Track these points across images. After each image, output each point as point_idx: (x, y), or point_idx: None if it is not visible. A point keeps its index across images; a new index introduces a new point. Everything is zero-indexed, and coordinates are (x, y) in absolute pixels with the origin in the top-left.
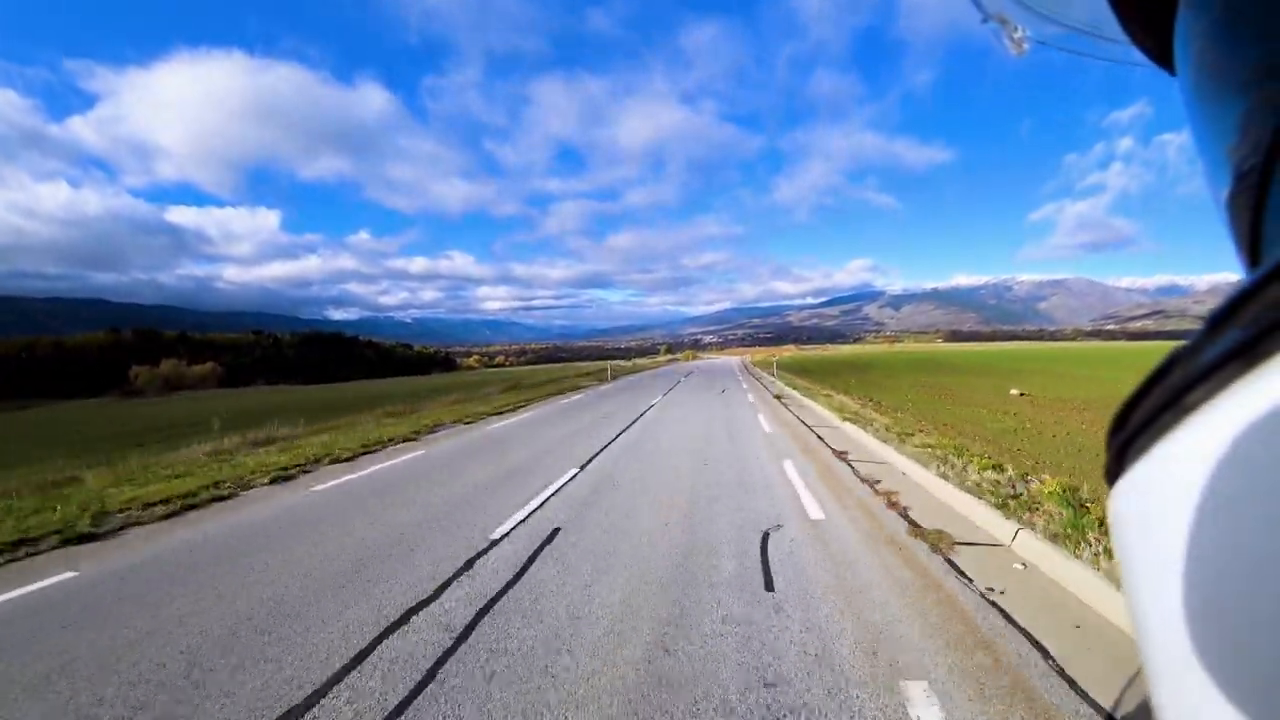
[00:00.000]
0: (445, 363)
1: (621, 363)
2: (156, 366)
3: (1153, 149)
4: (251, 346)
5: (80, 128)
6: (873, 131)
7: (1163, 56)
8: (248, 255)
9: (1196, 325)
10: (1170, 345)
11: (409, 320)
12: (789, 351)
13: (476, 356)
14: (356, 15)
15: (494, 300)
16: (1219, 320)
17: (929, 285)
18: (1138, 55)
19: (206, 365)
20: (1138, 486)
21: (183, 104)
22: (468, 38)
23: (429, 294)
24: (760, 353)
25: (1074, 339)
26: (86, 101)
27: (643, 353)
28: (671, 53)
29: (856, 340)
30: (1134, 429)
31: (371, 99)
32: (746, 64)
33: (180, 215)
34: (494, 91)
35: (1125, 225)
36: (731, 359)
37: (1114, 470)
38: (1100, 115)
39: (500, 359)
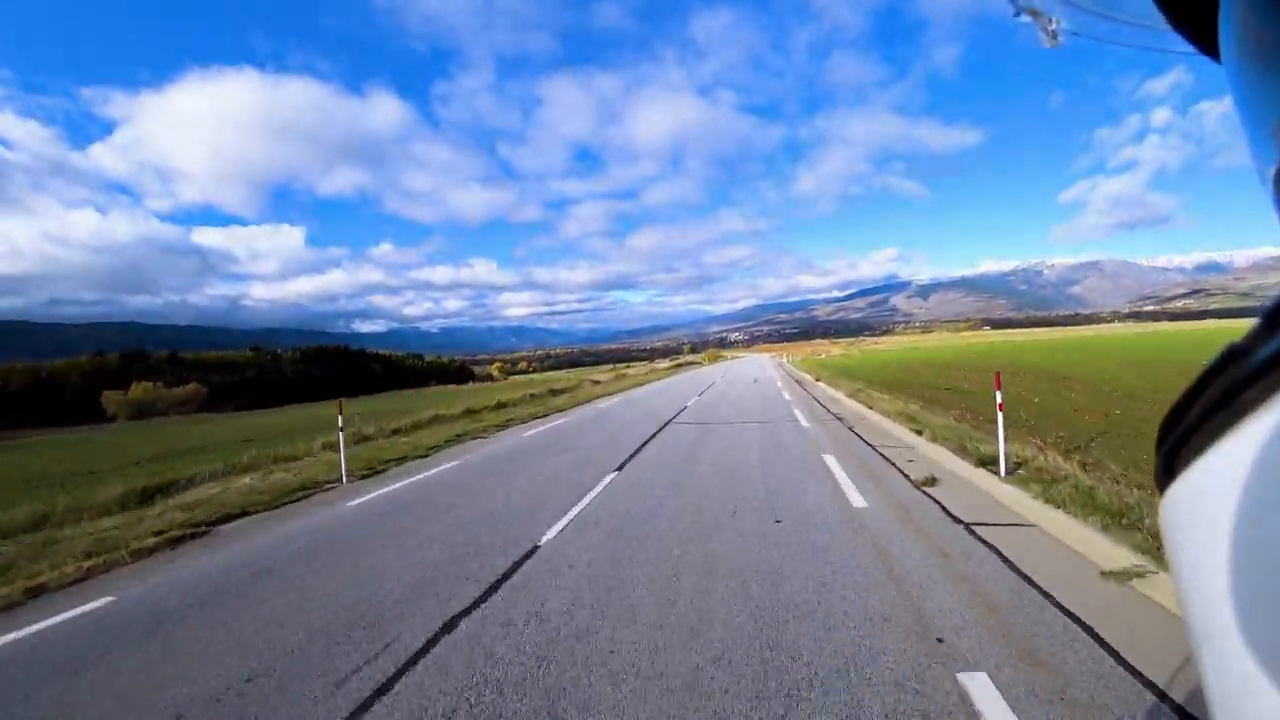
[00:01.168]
0: (459, 374)
1: (595, 375)
2: (126, 391)
3: (1191, 119)
4: (245, 365)
5: (101, 154)
6: (896, 115)
7: (1205, 41)
8: (274, 272)
9: (1243, 303)
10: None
11: (435, 330)
12: (830, 349)
13: (498, 364)
14: (361, 25)
15: (518, 307)
16: (1275, 315)
17: (956, 273)
18: (1179, 42)
19: (189, 387)
20: (1190, 492)
21: (198, 124)
22: (474, 40)
23: (453, 303)
24: (795, 349)
25: (1111, 321)
26: (105, 128)
27: (667, 353)
28: (684, 43)
29: (886, 332)
30: (1184, 432)
31: (384, 108)
32: (762, 50)
33: (206, 236)
34: (505, 94)
35: (1162, 201)
36: (762, 359)
37: (1164, 476)
38: (1134, 85)
39: (523, 364)
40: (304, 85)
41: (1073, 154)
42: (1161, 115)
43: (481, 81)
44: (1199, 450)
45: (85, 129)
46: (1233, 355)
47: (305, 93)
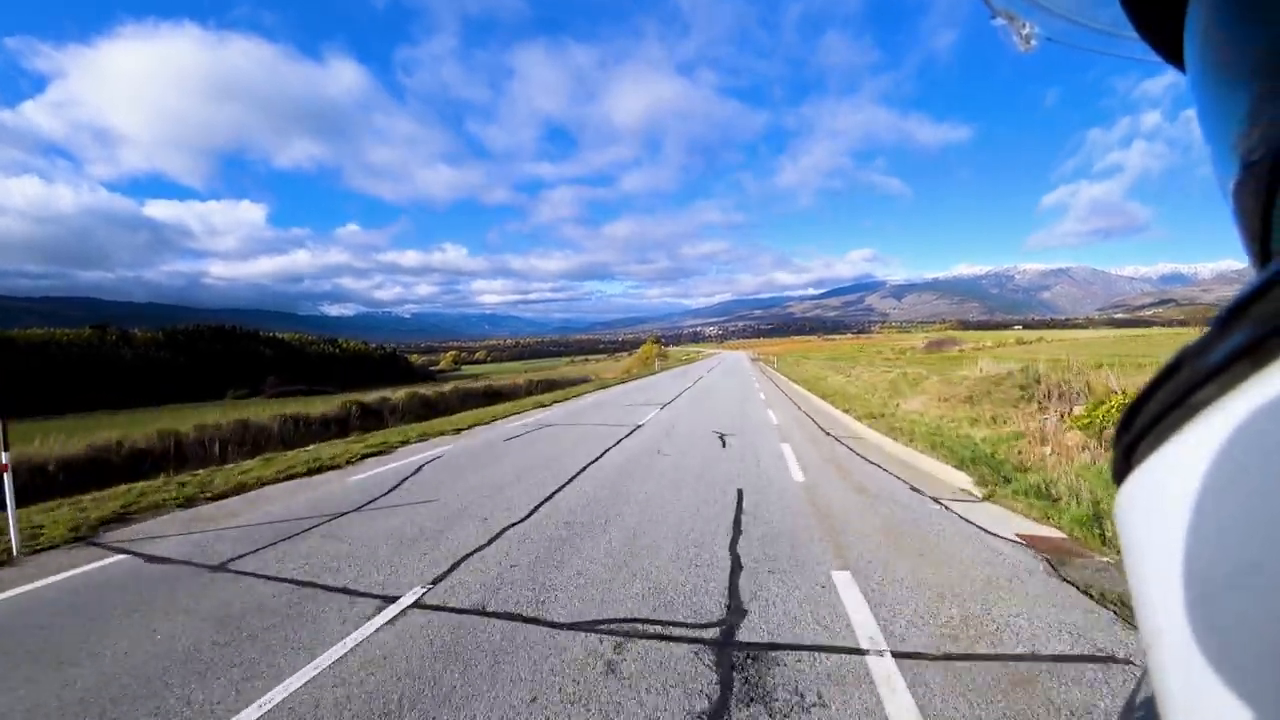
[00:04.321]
0: (384, 365)
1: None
2: None
3: (1179, 125)
4: (64, 347)
5: (34, 112)
6: (884, 107)
7: (1173, 52)
8: (234, 250)
9: (1213, 314)
10: None
11: (407, 316)
12: (890, 352)
13: (452, 354)
14: None
15: (491, 294)
16: (1227, 319)
17: (930, 275)
18: (1147, 51)
19: None
20: (1145, 486)
21: (137, 83)
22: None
23: (424, 288)
24: (772, 346)
25: (1085, 327)
26: (35, 84)
27: (638, 345)
28: (667, 14)
29: (861, 332)
30: (1141, 428)
31: (342, 74)
32: (750, 27)
33: (159, 210)
34: (473, 63)
35: (1140, 210)
36: (739, 357)
37: (1121, 470)
38: (1132, 84)
39: (480, 354)
40: (251, 44)
41: (1058, 157)
42: (1152, 119)
43: (446, 46)
44: (1155, 446)
45: (14, 84)
46: (1187, 355)
47: (253, 52)
